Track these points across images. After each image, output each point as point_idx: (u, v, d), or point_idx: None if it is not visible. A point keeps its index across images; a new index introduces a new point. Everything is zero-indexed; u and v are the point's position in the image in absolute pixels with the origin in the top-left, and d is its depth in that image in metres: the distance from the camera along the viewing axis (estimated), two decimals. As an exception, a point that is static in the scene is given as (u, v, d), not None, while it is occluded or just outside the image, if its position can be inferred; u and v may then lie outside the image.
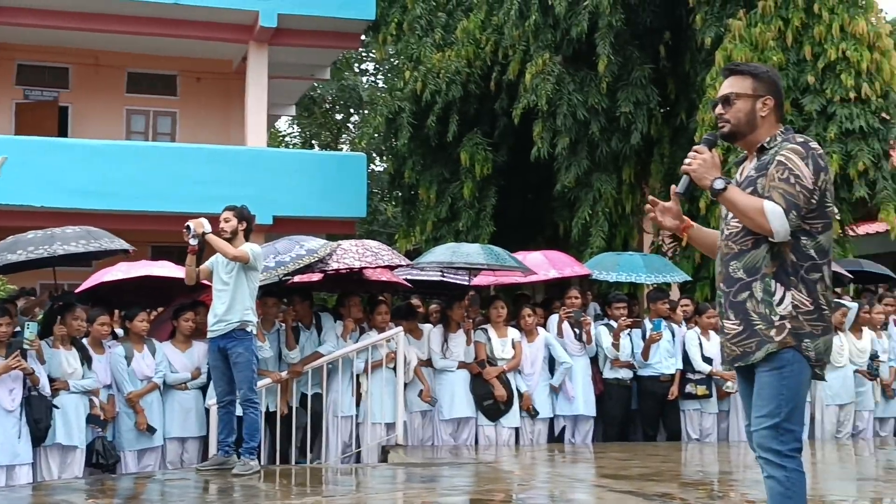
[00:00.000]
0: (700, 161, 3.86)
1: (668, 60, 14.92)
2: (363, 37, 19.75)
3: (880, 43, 12.83)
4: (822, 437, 10.87)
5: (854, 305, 11.29)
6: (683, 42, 14.80)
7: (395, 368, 9.70)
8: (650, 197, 4.26)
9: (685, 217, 4.13)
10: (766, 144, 3.94)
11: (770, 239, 3.77)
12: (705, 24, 13.64)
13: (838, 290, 12.34)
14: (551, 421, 10.46)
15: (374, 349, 9.68)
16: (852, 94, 12.58)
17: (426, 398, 9.97)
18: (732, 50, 12.70)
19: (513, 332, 10.30)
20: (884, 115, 13.00)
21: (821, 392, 10.75)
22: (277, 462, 9.27)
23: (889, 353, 11.42)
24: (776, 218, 3.71)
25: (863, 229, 15.79)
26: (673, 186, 4.10)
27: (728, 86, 4.03)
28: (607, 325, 10.67)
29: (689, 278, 12.41)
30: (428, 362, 10.13)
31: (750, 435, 3.95)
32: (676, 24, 14.98)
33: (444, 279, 11.44)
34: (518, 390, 10.16)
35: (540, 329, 10.48)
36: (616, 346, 10.43)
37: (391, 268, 10.59)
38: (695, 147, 3.95)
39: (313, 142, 31.75)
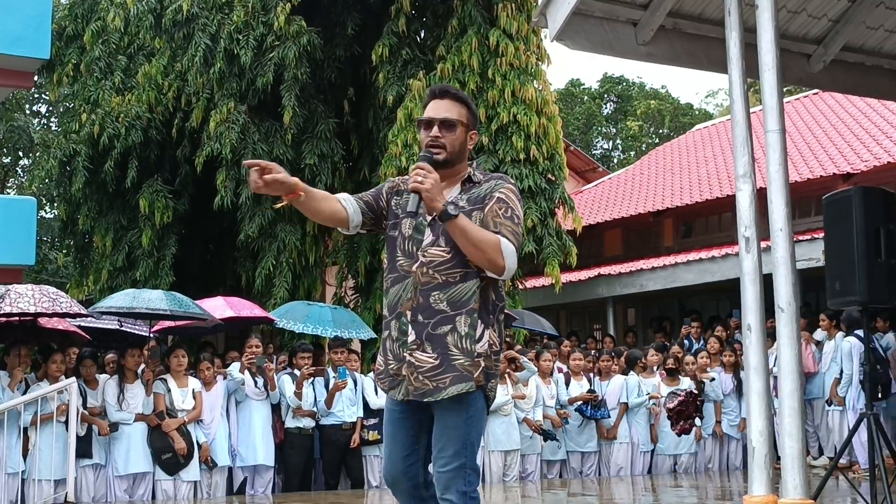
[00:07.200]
0: (432, 181, 3.46)
1: (352, 116, 15.31)
2: (36, 77, 18.77)
3: (547, 109, 13.87)
4: (490, 481, 11.33)
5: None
6: (367, 99, 15.24)
7: (66, 422, 9.20)
8: (246, 161, 3.65)
9: (298, 182, 3.58)
10: (472, 177, 3.73)
11: (489, 275, 3.58)
12: (387, 83, 14.14)
13: (508, 339, 13.01)
14: (230, 472, 10.29)
15: (44, 401, 9.13)
16: (522, 156, 13.47)
17: None
18: (413, 109, 13.24)
19: (193, 382, 10.06)
20: (550, 176, 14.00)
21: (487, 438, 11.20)
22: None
23: (555, 399, 12.09)
24: (510, 256, 3.53)
25: (531, 283, 16.76)
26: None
27: (447, 109, 3.69)
28: (291, 374, 10.67)
29: (375, 335, 12.54)
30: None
31: (398, 468, 3.79)
32: (360, 82, 15.42)
33: (122, 328, 11.01)
34: (197, 441, 9.93)
35: (219, 377, 10.32)
36: (299, 394, 10.44)
37: (69, 316, 10.06)
38: (420, 164, 3.54)
39: (-24, 185, 29.75)
